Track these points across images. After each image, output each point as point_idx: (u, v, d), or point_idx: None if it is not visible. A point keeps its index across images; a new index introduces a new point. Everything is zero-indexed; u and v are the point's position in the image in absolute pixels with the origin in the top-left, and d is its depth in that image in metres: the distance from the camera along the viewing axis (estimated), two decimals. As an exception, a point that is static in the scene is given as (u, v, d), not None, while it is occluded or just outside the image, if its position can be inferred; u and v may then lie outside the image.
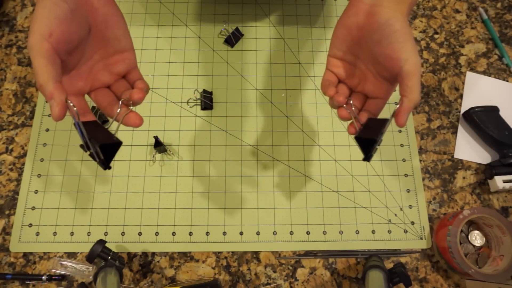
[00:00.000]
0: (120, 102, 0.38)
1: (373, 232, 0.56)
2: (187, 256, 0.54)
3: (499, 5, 0.70)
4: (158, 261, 0.53)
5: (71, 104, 0.33)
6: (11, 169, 0.56)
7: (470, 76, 0.65)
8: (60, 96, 0.32)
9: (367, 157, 0.39)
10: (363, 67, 0.41)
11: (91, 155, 0.36)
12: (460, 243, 0.54)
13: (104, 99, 0.39)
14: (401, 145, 0.60)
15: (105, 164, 0.36)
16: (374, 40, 0.37)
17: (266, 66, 0.63)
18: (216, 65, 0.63)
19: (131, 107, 0.38)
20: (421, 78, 0.36)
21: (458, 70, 0.65)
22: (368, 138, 0.38)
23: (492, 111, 0.60)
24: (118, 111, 0.37)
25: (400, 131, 0.61)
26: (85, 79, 0.38)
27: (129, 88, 0.39)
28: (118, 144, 0.36)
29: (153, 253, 0.54)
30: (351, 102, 0.40)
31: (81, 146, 0.36)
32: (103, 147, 0.35)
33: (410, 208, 0.57)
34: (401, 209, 0.57)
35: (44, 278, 0.51)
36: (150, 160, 0.57)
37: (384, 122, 0.37)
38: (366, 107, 0.41)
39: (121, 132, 0.58)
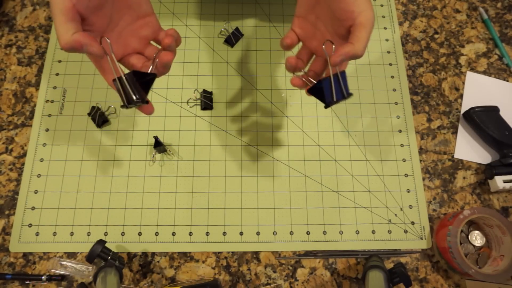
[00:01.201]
0: (155, 56, 0.40)
1: (373, 232, 0.56)
2: (187, 256, 0.54)
3: (499, 5, 0.70)
4: (158, 261, 0.53)
5: (108, 41, 0.36)
6: (11, 169, 0.56)
7: (470, 76, 0.65)
8: (90, 37, 0.35)
9: (327, 104, 0.41)
10: (323, 29, 0.43)
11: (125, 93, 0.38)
12: (460, 243, 0.54)
13: (138, 61, 0.41)
14: (401, 145, 0.60)
15: (144, 98, 0.38)
16: None
17: (266, 66, 0.63)
18: (216, 65, 0.63)
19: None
20: (371, 32, 0.39)
21: (458, 70, 0.65)
22: (315, 86, 0.41)
23: (492, 111, 0.60)
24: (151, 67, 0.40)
25: (400, 131, 0.61)
26: (116, 45, 0.40)
27: (160, 50, 0.41)
28: (153, 76, 0.39)
29: (153, 253, 0.54)
30: (305, 70, 0.44)
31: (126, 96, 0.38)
32: (137, 76, 0.38)
33: (410, 208, 0.57)
34: (401, 209, 0.57)
35: (44, 278, 0.51)
36: (150, 160, 0.57)
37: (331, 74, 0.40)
38: (327, 71, 0.43)
39: (120, 132, 0.59)
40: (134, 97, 0.38)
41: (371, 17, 0.38)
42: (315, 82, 0.42)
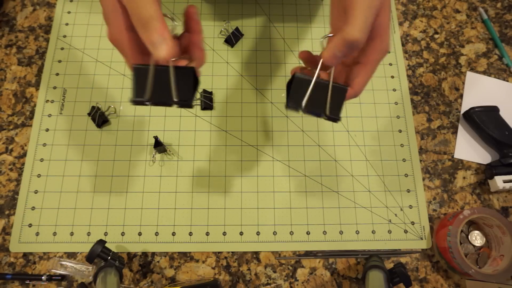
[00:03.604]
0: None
1: (373, 232, 0.56)
2: (187, 256, 0.54)
3: (499, 5, 0.70)
4: (158, 261, 0.53)
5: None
6: (11, 169, 0.56)
7: (470, 76, 0.65)
8: (170, 33, 0.31)
9: (286, 105, 0.34)
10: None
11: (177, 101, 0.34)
12: (460, 243, 0.54)
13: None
14: (401, 145, 0.60)
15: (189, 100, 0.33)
16: None
17: (266, 66, 0.63)
18: (216, 65, 0.63)
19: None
20: (371, 13, 0.31)
21: (458, 70, 0.65)
22: (292, 77, 0.35)
23: (492, 111, 0.60)
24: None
25: (400, 131, 0.61)
26: None
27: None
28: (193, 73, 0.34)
29: (153, 253, 0.54)
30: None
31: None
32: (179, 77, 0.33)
33: (410, 208, 0.57)
34: (401, 209, 0.57)
35: (44, 278, 0.51)
36: (150, 160, 0.57)
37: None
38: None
39: (120, 132, 0.59)
40: (175, 97, 0.32)
41: None
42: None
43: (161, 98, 0.33)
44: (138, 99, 0.33)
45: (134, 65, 0.33)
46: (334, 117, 0.34)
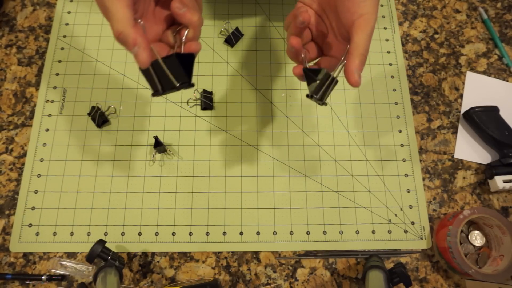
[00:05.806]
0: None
1: (373, 232, 0.56)
2: (187, 256, 0.54)
3: (499, 5, 0.70)
4: (158, 261, 0.53)
5: (142, 23, 0.35)
6: (11, 169, 0.56)
7: (470, 76, 0.65)
8: (145, 41, 0.33)
9: (312, 93, 0.38)
10: (327, 24, 0.41)
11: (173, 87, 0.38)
12: (460, 243, 0.54)
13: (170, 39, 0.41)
14: (401, 145, 0.60)
15: (189, 80, 0.39)
16: None
17: (266, 66, 0.63)
18: (216, 65, 0.63)
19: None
20: (371, 37, 0.37)
21: (458, 70, 0.65)
22: (316, 69, 0.39)
23: (492, 111, 0.60)
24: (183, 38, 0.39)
25: (400, 131, 0.61)
26: (156, 24, 0.39)
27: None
28: (191, 56, 0.39)
29: (153, 253, 0.54)
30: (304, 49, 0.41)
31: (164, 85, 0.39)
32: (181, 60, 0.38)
33: (410, 208, 0.57)
34: (401, 209, 0.57)
35: (44, 278, 0.51)
36: (150, 160, 0.57)
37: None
38: (318, 64, 0.42)
39: (120, 132, 0.59)
40: (177, 83, 0.37)
41: (372, 20, 0.35)
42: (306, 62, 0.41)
43: (168, 86, 0.38)
44: (154, 92, 0.38)
45: (140, 69, 0.38)
46: (325, 103, 0.40)
